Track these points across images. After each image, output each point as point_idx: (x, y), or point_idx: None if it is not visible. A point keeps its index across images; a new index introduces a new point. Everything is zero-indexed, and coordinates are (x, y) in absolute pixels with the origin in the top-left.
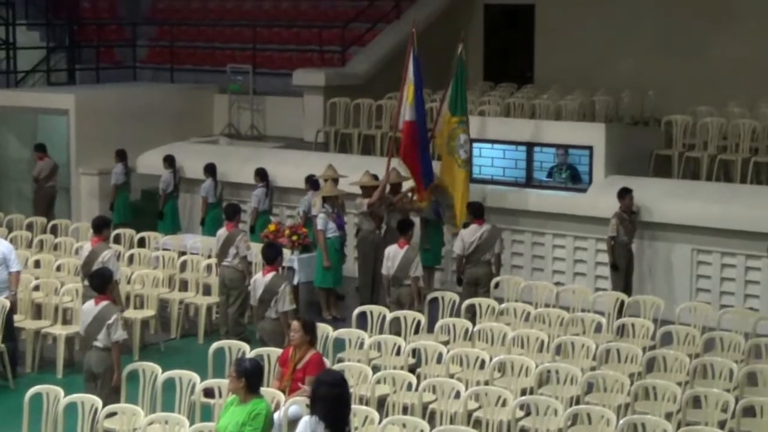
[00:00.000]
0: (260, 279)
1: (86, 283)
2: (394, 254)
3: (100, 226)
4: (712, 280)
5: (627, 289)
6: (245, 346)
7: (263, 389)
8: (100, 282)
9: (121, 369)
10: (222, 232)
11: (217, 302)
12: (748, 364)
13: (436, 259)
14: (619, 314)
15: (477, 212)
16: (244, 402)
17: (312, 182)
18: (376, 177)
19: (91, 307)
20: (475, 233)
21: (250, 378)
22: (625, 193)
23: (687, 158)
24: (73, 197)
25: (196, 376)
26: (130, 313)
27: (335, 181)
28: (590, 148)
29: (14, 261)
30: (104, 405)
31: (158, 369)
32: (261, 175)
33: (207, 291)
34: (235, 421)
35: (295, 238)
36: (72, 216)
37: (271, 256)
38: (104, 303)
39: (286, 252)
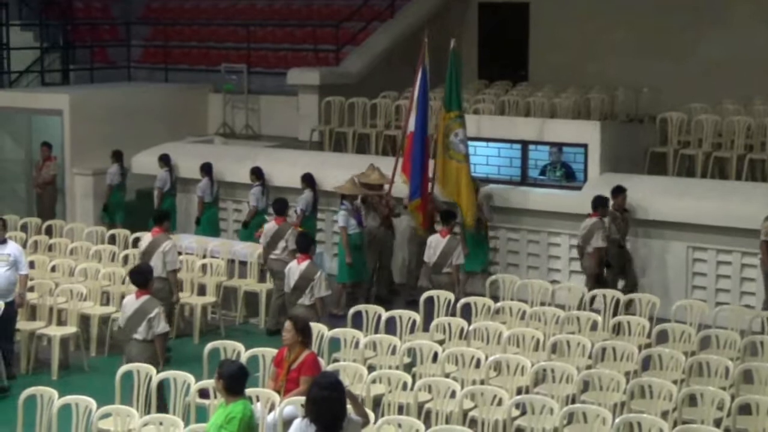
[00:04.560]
0: (295, 267)
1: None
2: (436, 243)
3: (162, 218)
4: (708, 277)
5: (628, 286)
6: (240, 347)
7: (258, 390)
8: (141, 277)
9: (165, 361)
10: (271, 225)
11: (213, 302)
12: (743, 361)
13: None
14: (616, 311)
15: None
16: (226, 404)
17: (308, 180)
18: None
19: (132, 301)
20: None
21: (228, 380)
22: (618, 192)
23: (682, 155)
24: (67, 198)
25: (190, 377)
26: None
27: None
28: (585, 145)
29: (24, 263)
30: None
31: (153, 370)
32: (257, 173)
33: (202, 291)
34: (215, 423)
35: None
36: (66, 216)
37: (305, 244)
38: (145, 297)
39: None
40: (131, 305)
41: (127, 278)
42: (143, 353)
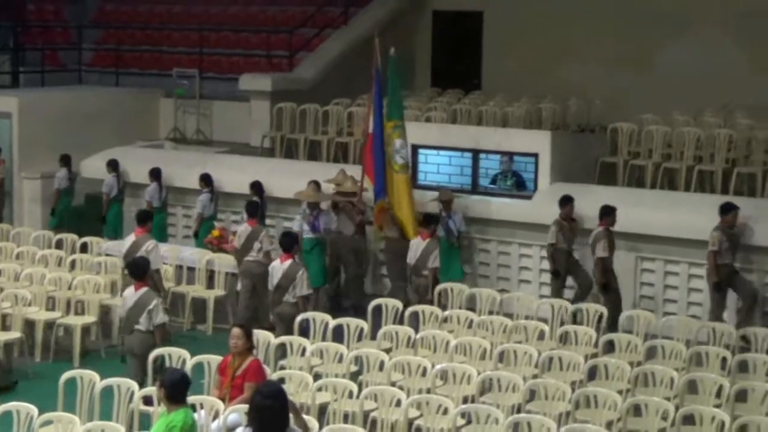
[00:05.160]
0: (278, 266)
1: (126, 271)
2: (416, 245)
3: (144, 218)
4: (655, 287)
5: (581, 289)
6: (186, 354)
7: (203, 397)
8: (139, 270)
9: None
10: (245, 228)
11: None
12: (688, 372)
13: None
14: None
15: (427, 223)
16: (168, 412)
17: (257, 188)
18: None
19: (131, 293)
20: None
21: (170, 388)
22: (566, 202)
23: (632, 166)
24: (15, 201)
25: (135, 384)
26: (71, 319)
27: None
28: (536, 155)
29: None
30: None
31: (96, 377)
32: (206, 180)
33: None
34: (156, 431)
35: None
36: (14, 221)
37: (289, 244)
38: (144, 289)
39: (229, 258)
40: (131, 298)
41: (72, 283)
42: (145, 343)
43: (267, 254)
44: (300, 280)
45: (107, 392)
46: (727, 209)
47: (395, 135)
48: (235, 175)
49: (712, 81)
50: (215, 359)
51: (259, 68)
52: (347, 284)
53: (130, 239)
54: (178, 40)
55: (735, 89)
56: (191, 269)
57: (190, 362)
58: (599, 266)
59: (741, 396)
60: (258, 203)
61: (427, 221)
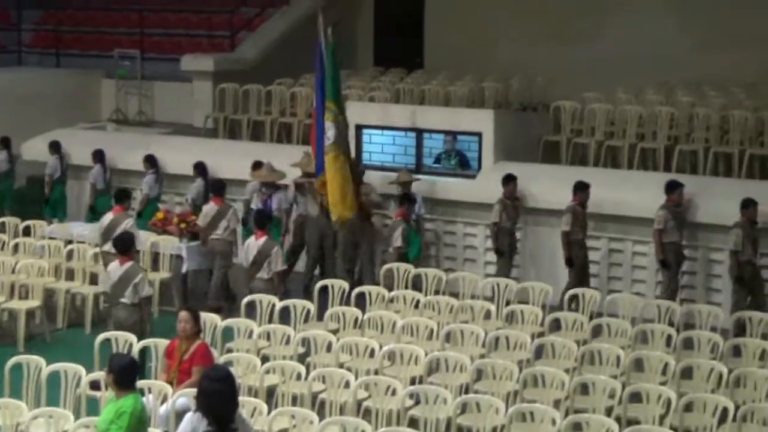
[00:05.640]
0: (253, 242)
1: (105, 248)
2: (391, 224)
3: (122, 197)
4: (600, 265)
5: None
6: (133, 338)
7: (150, 382)
8: (124, 244)
9: (151, 322)
10: (211, 206)
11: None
12: (634, 350)
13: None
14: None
15: (401, 202)
16: (116, 398)
17: (200, 169)
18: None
19: (116, 268)
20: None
21: (118, 374)
22: (509, 180)
23: (575, 144)
24: None
25: (81, 369)
26: (15, 304)
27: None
28: (479, 134)
29: None
30: None
31: (42, 362)
32: (150, 161)
33: (94, 280)
34: (105, 418)
35: (183, 225)
36: None
37: (261, 221)
38: (129, 264)
39: (174, 240)
40: (116, 272)
41: (15, 267)
42: (131, 316)
43: (233, 232)
44: (275, 256)
45: (53, 377)
46: (672, 187)
47: (329, 116)
48: (178, 156)
49: (653, 58)
50: (162, 343)
51: (201, 48)
52: (363, 270)
53: (108, 217)
54: (119, 21)
55: (676, 66)
56: (136, 252)
57: (137, 346)
58: (563, 240)
59: (686, 373)
60: (223, 182)
61: (400, 200)
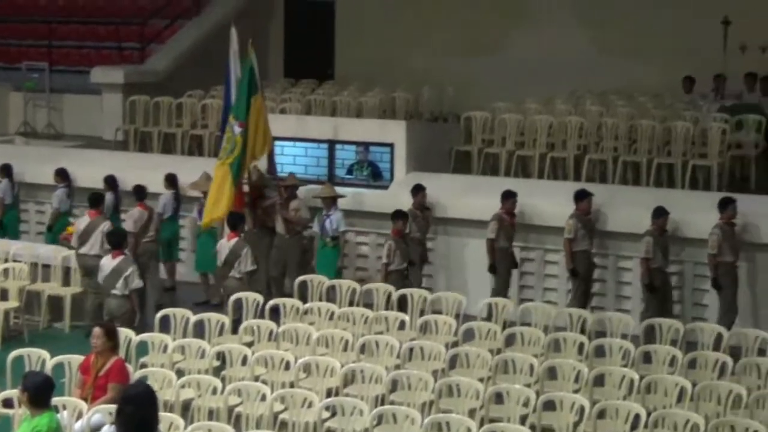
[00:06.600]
0: (225, 243)
1: (82, 251)
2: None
3: (97, 201)
4: (512, 274)
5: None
6: (46, 355)
7: (65, 398)
8: (117, 239)
9: (141, 311)
10: (84, 219)
11: (15, 307)
12: (547, 358)
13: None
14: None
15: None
16: (31, 416)
17: (111, 182)
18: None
19: (108, 261)
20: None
21: (33, 392)
22: (417, 191)
23: (486, 154)
24: None
25: None
26: None
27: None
28: (391, 145)
29: None
30: None
31: None
32: (62, 175)
33: (4, 296)
34: None
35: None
36: None
37: (235, 222)
38: (120, 257)
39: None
40: (108, 265)
41: None
42: (122, 306)
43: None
44: (245, 257)
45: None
46: (581, 196)
47: (227, 130)
48: (88, 169)
49: (561, 66)
50: (76, 359)
51: (110, 60)
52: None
53: (84, 221)
54: (27, 32)
55: (584, 74)
56: (46, 266)
57: (50, 363)
58: (488, 247)
59: (599, 381)
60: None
61: (392, 217)
